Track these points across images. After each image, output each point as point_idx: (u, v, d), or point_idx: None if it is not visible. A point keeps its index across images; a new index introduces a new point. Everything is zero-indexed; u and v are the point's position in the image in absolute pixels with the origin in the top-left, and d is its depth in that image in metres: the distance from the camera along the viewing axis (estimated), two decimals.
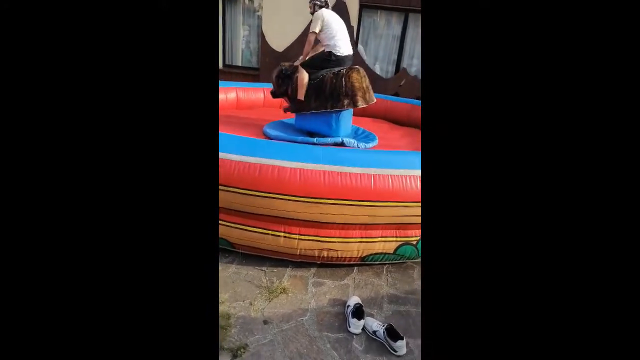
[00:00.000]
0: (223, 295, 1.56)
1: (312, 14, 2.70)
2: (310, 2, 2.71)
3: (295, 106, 2.81)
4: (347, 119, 2.81)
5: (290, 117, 3.33)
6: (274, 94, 3.02)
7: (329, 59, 2.64)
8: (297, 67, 2.77)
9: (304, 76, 2.67)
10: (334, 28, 2.59)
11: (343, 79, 2.59)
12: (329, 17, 2.61)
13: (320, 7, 2.68)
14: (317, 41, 2.71)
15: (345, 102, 2.60)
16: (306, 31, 4.91)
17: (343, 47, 2.61)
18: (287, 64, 2.95)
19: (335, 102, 2.62)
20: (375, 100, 2.73)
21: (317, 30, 2.59)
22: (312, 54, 2.75)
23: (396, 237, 1.73)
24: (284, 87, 2.89)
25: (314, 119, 2.76)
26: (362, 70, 2.68)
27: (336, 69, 2.65)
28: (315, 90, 2.66)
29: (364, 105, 2.67)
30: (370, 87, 2.70)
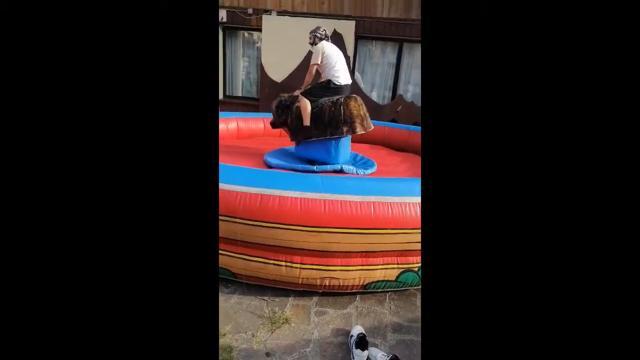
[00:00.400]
0: (225, 327, 1.54)
1: (312, 45, 2.84)
2: (310, 34, 2.86)
3: (296, 135, 2.88)
4: (345, 146, 2.87)
5: (291, 145, 3.40)
6: (274, 125, 3.11)
7: (327, 87, 2.76)
8: (296, 97, 2.88)
9: (306, 104, 2.76)
10: (334, 59, 2.73)
11: (342, 107, 2.70)
12: (329, 49, 2.76)
13: (321, 39, 2.83)
14: (317, 72, 2.84)
15: (344, 129, 2.69)
16: (304, 62, 5.11)
17: (342, 77, 2.74)
18: (286, 95, 3.05)
19: (334, 130, 2.70)
20: (372, 127, 2.81)
21: (318, 62, 2.74)
22: (312, 84, 2.86)
23: (398, 264, 1.73)
24: (283, 117, 2.98)
25: (313, 146, 2.82)
26: (359, 98, 2.78)
27: (335, 98, 2.75)
28: (315, 118, 2.74)
29: (362, 132, 2.75)
30: (367, 115, 2.79)
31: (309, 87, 2.85)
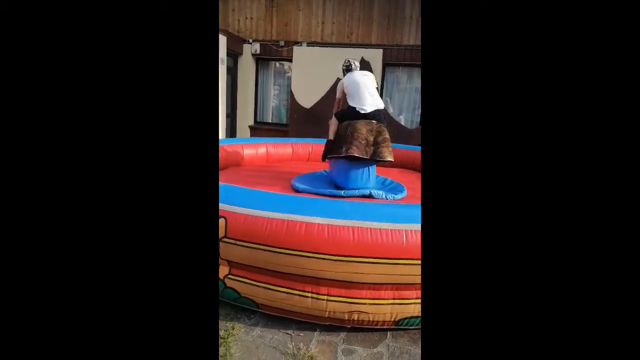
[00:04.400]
0: None
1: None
2: (343, 66, 3.02)
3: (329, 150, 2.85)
4: (373, 171, 2.79)
5: (318, 169, 3.37)
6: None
7: (352, 111, 2.76)
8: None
9: (334, 120, 2.87)
10: (353, 89, 2.78)
11: (347, 129, 2.69)
12: (348, 80, 2.83)
13: (347, 70, 2.93)
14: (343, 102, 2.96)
15: (354, 149, 2.60)
16: (332, 90, 5.19)
17: (367, 104, 2.72)
18: None
19: (338, 149, 2.68)
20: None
21: (339, 97, 2.95)
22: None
23: None
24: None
25: (343, 170, 2.76)
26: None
27: (349, 122, 2.74)
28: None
29: (391, 160, 2.69)
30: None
31: (341, 111, 2.93)
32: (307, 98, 5.47)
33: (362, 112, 2.70)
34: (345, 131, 2.69)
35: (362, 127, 2.65)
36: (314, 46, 5.46)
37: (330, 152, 2.79)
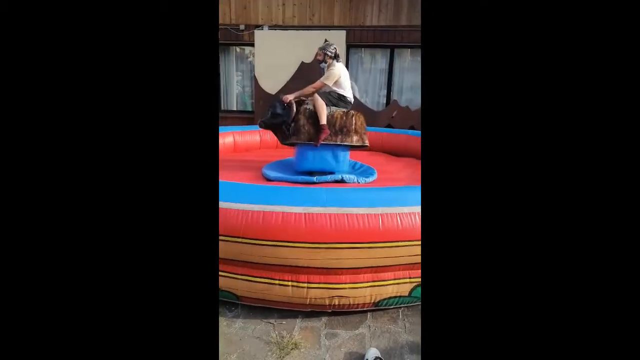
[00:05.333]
0: (230, 357, 1.44)
1: (321, 62, 2.84)
2: (320, 51, 2.83)
3: (292, 137, 2.78)
4: (346, 156, 2.82)
5: (288, 157, 3.33)
6: (265, 124, 2.92)
7: (343, 100, 2.82)
8: (303, 98, 2.85)
9: (323, 103, 2.72)
10: (345, 81, 2.83)
11: (353, 118, 2.73)
12: (344, 73, 2.83)
13: (332, 58, 2.82)
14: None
15: (355, 138, 2.70)
16: (297, 74, 5.10)
17: (349, 95, 2.86)
18: (291, 96, 2.87)
19: (345, 137, 2.70)
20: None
21: (330, 84, 2.79)
22: (325, 90, 2.85)
23: (410, 278, 1.64)
24: (280, 118, 2.82)
25: (317, 156, 2.75)
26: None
27: (344, 110, 2.80)
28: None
29: (367, 145, 2.79)
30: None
31: (327, 92, 2.82)
32: (272, 83, 5.34)
33: (351, 101, 2.85)
34: (344, 120, 2.71)
35: (362, 117, 2.79)
36: (275, 29, 5.29)
37: (329, 139, 2.69)
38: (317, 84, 2.81)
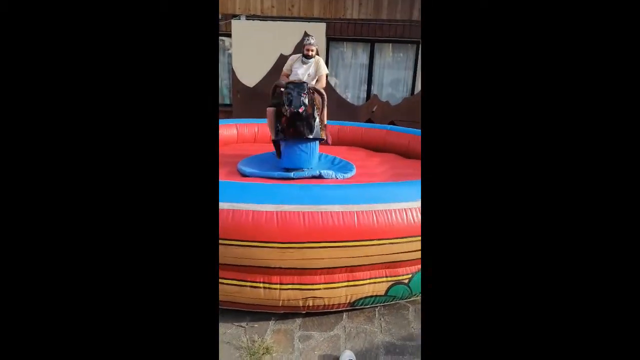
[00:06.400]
0: None
1: (311, 57, 2.84)
2: (313, 47, 2.83)
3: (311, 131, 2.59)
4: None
5: (266, 151, 3.23)
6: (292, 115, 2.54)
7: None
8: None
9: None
10: None
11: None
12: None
13: (317, 53, 2.85)
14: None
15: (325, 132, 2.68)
16: (276, 66, 4.97)
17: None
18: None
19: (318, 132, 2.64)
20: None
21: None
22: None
23: (386, 277, 1.60)
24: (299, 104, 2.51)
25: (295, 152, 2.67)
26: None
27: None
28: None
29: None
30: None
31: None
32: (251, 76, 5.19)
33: None
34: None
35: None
36: (253, 19, 5.13)
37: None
38: (326, 77, 2.83)
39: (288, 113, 2.44)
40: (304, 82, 2.55)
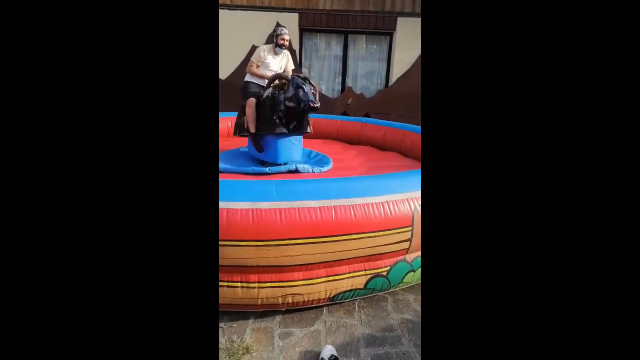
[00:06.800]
0: None
1: (285, 48, 2.82)
2: (287, 37, 2.77)
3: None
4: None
5: (242, 146, 3.16)
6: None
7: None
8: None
9: None
10: None
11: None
12: None
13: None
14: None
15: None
16: (247, 58, 4.84)
17: None
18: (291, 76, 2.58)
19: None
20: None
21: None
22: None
23: (365, 270, 1.60)
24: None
25: (287, 146, 2.64)
26: None
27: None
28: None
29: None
30: None
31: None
32: (221, 68, 5.03)
33: None
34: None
35: None
36: (224, 9, 4.95)
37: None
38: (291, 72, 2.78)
39: (300, 107, 2.38)
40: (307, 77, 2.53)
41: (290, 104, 2.42)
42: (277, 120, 2.49)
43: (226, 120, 3.91)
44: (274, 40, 2.81)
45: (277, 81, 2.60)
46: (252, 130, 2.67)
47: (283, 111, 2.47)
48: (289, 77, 2.49)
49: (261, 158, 2.70)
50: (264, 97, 2.59)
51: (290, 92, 2.42)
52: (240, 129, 2.86)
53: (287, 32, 2.78)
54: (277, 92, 2.53)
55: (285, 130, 2.52)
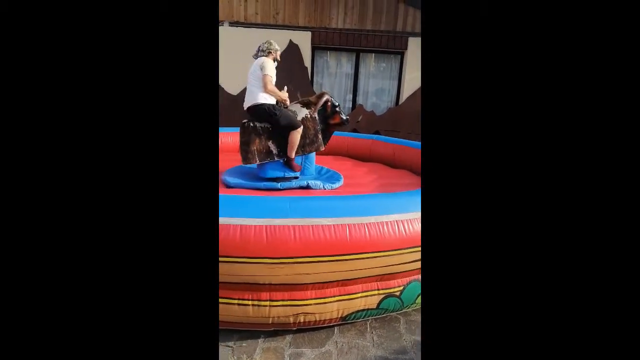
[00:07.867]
0: None
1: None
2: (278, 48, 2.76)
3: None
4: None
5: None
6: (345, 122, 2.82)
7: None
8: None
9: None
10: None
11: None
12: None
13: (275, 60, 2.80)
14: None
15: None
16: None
17: None
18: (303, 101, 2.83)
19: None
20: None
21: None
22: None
23: (378, 289, 1.57)
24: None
25: (311, 163, 2.77)
26: None
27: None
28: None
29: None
30: None
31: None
32: (234, 84, 5.13)
33: None
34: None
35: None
36: (237, 26, 5.10)
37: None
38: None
39: (339, 123, 2.77)
40: None
41: (333, 122, 2.75)
42: (322, 139, 2.73)
43: (236, 136, 3.96)
44: (273, 54, 2.71)
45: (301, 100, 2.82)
46: (292, 155, 2.57)
47: (322, 130, 2.73)
48: (323, 98, 2.72)
49: (294, 174, 2.66)
50: (300, 118, 2.60)
51: (330, 111, 2.74)
52: (265, 155, 2.58)
53: (274, 49, 2.77)
54: (311, 112, 2.68)
55: (323, 147, 2.76)
